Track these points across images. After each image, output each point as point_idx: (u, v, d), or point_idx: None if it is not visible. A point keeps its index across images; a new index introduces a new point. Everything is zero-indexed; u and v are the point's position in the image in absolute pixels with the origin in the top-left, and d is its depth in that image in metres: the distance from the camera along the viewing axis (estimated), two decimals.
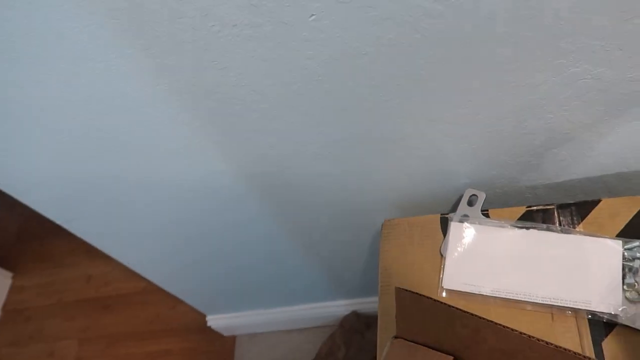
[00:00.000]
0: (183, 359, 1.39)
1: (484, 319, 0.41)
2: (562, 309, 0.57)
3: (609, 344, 0.54)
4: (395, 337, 0.49)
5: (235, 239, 0.86)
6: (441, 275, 0.64)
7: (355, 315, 1.17)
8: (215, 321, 1.30)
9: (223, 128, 0.59)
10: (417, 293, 0.44)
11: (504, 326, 0.40)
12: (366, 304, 1.15)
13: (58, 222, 0.81)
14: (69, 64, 0.51)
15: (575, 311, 0.56)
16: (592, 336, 0.54)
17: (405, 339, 0.48)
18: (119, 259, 0.94)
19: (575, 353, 0.39)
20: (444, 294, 0.63)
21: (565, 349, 0.39)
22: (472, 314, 0.42)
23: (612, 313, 0.54)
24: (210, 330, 1.35)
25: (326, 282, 1.06)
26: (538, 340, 0.40)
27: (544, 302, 0.58)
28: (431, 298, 0.44)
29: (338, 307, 1.18)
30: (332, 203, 0.76)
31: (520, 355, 0.42)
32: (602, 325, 0.55)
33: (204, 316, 1.32)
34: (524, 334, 0.41)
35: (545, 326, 0.57)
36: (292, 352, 1.29)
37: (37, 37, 0.47)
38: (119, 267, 1.61)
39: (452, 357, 0.46)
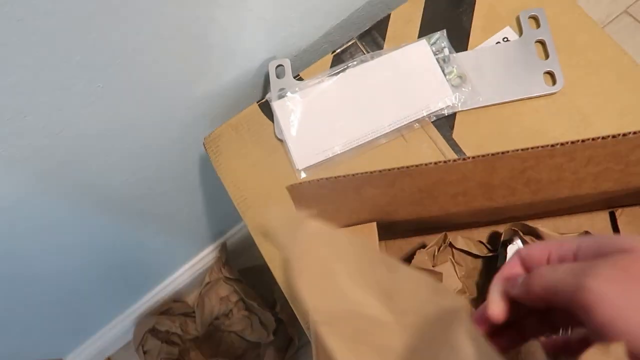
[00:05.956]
0: None
1: (393, 169, 0.37)
2: (408, 126, 0.57)
3: (457, 132, 0.56)
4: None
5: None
6: (291, 159, 0.59)
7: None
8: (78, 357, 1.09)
9: None
10: (308, 181, 0.38)
11: (416, 165, 0.37)
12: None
13: None
14: None
15: (420, 121, 0.57)
16: (442, 135, 0.56)
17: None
18: None
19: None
20: (302, 175, 0.59)
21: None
22: (371, 172, 0.38)
23: (449, 104, 0.56)
24: None
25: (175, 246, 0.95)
26: (445, 162, 0.37)
27: (392, 128, 0.57)
28: (324, 178, 0.38)
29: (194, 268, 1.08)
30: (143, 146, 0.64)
31: (436, 186, 0.39)
32: (445, 122, 0.56)
33: None
34: (437, 162, 0.38)
35: (403, 149, 0.57)
36: None
37: None
38: None
39: (375, 222, 0.42)
